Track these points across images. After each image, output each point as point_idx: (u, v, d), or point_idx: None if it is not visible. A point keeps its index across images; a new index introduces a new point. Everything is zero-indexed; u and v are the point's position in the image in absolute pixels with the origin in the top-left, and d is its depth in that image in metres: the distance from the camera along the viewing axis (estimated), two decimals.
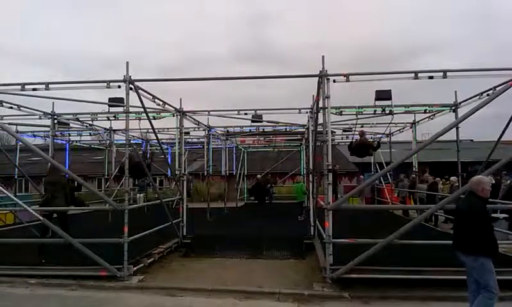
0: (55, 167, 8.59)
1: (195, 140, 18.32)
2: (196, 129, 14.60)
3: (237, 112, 11.53)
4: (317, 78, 7.31)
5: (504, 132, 8.17)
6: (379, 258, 6.50)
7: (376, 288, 6.17)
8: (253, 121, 12.31)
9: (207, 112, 12.17)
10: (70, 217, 11.25)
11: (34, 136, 14.11)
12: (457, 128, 9.22)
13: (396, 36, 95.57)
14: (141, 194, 18.18)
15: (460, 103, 9.88)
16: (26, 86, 8.00)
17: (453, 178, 14.15)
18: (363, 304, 5.77)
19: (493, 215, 10.03)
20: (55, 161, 8.71)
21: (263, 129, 15.01)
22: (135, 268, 7.27)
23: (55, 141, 11.33)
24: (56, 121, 11.21)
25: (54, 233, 7.85)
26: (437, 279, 6.22)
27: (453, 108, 10.18)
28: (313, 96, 9.03)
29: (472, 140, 32.99)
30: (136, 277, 7.07)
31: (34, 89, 8.04)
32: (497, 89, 7.50)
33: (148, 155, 13.83)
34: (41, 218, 7.61)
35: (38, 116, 10.99)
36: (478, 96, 8.58)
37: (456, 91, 9.87)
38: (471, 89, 8.89)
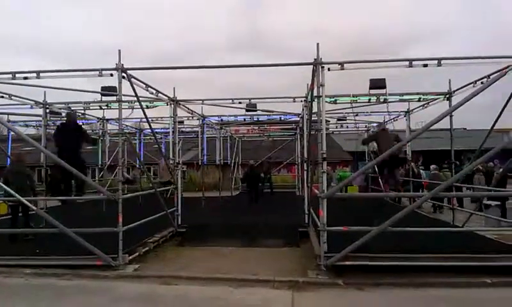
0: (20, 156, 8.51)
1: (189, 129, 18.25)
2: (190, 118, 14.52)
3: (231, 101, 11.45)
4: (312, 66, 7.27)
5: (497, 120, 8.20)
6: (373, 245, 6.55)
7: (370, 275, 6.21)
8: (247, 110, 12.27)
9: (200, 101, 12.09)
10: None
11: (27, 126, 13.96)
12: (450, 117, 9.23)
13: (391, 25, 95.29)
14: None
15: (454, 91, 9.87)
16: (17, 75, 7.87)
17: (432, 166, 14.47)
18: (357, 291, 5.82)
19: (485, 202, 10.16)
20: (48, 151, 8.65)
21: (257, 118, 14.98)
22: (130, 258, 7.26)
23: (47, 130, 11.18)
24: (47, 111, 11.07)
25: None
26: (430, 266, 6.29)
27: (447, 96, 10.18)
28: (307, 84, 8.99)
29: (465, 128, 33.16)
30: (131, 266, 7.07)
31: (25, 78, 7.91)
32: (491, 77, 7.51)
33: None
34: (34, 208, 7.56)
35: (29, 106, 10.84)
36: (472, 84, 8.59)
37: (450, 80, 9.85)
38: (465, 78, 8.89)
